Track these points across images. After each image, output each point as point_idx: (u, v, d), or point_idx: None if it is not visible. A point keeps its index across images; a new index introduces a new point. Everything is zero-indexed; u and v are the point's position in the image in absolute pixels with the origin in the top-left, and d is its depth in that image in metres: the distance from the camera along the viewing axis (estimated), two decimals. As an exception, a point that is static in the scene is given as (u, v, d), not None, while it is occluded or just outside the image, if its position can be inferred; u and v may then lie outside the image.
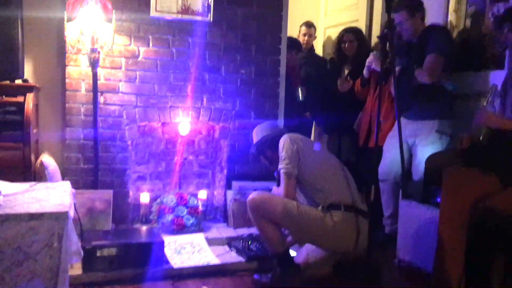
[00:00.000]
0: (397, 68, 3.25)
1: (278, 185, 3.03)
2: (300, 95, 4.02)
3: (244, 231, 3.39)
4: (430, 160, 2.85)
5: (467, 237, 2.27)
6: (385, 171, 3.39)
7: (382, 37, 2.83)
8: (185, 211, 3.38)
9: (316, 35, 4.71)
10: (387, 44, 2.86)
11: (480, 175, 2.33)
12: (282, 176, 2.74)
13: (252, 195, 2.75)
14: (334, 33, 4.62)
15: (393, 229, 3.36)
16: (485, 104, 2.56)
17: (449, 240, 2.40)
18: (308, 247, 2.89)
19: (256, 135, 3.08)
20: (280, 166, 2.76)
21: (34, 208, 1.83)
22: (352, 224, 2.63)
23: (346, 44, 4.03)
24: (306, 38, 4.54)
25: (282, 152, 2.77)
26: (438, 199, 2.69)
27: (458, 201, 2.33)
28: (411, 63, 3.24)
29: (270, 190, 3.18)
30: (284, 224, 2.71)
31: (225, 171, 3.67)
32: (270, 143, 2.94)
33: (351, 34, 4.04)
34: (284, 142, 2.80)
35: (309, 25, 4.58)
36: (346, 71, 4.07)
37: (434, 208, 2.77)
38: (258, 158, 3.11)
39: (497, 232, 2.19)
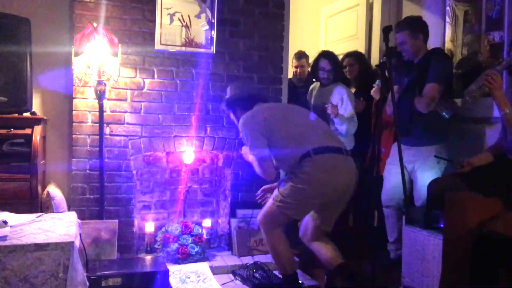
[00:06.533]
0: (396, 87, 3.24)
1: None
2: None
3: (248, 259, 3.36)
4: (432, 185, 2.84)
5: (471, 261, 2.24)
6: (388, 197, 3.37)
7: (380, 66, 2.86)
8: (190, 239, 3.35)
9: (310, 63, 4.67)
10: (386, 72, 2.90)
11: (482, 198, 2.32)
12: (258, 163, 2.76)
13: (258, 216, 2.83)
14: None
15: (398, 255, 3.31)
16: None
17: (454, 265, 2.36)
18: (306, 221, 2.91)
19: (230, 91, 3.08)
20: (250, 152, 2.79)
21: (40, 239, 1.83)
22: (325, 161, 2.61)
23: (347, 68, 4.07)
24: (298, 69, 4.52)
25: (247, 137, 2.77)
26: (441, 224, 2.67)
27: (461, 225, 2.30)
28: (411, 85, 3.22)
29: None
30: (286, 211, 2.68)
31: (229, 199, 3.65)
32: (242, 102, 2.93)
33: (351, 58, 4.09)
34: (243, 125, 2.78)
35: (299, 56, 4.53)
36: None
37: (437, 233, 2.73)
38: (228, 115, 3.13)
39: (500, 254, 2.17)
